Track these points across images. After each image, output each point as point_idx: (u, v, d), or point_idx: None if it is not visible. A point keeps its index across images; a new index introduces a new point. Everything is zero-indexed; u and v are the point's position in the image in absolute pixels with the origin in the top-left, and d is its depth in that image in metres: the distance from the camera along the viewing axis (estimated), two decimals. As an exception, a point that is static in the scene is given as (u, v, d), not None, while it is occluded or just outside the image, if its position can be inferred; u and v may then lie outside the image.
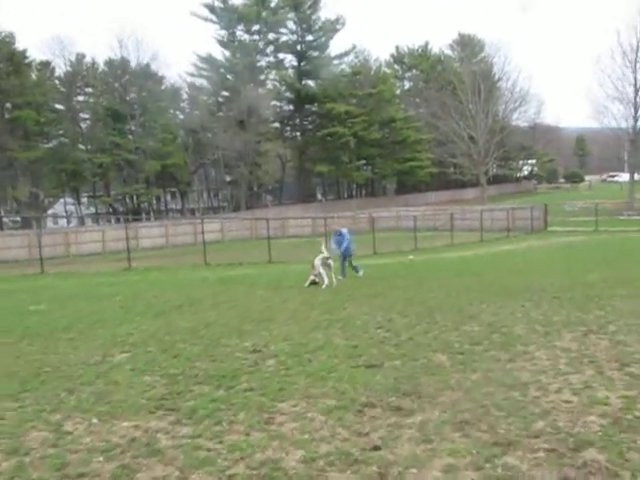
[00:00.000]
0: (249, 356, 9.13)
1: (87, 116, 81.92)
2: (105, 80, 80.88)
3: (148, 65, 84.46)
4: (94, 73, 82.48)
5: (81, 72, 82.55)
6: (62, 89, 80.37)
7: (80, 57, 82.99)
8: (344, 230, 21.14)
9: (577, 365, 7.81)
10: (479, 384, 7.14)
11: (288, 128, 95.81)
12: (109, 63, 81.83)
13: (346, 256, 20.77)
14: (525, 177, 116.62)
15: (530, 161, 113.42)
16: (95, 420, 6.52)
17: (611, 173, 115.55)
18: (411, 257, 31.05)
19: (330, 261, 18.75)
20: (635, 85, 70.66)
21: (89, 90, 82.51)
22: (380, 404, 6.60)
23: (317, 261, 18.48)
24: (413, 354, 8.72)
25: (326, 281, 18.05)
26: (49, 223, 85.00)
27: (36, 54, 77.80)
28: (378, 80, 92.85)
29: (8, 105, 72.64)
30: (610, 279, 16.94)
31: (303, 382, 7.57)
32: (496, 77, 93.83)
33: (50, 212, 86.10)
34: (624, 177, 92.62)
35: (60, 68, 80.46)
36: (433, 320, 11.47)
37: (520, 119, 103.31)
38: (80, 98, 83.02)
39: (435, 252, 35.77)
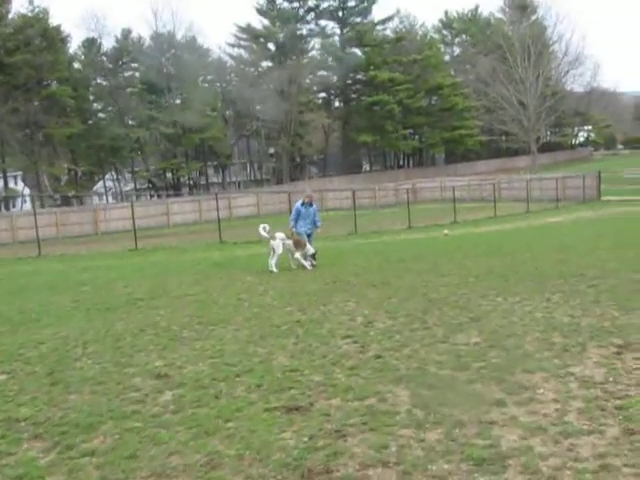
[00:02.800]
0: (147, 385, 6.68)
1: (129, 91, 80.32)
2: (148, 54, 79.01)
3: (194, 38, 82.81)
4: (139, 47, 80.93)
5: (127, 47, 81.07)
6: (109, 65, 78.99)
7: (126, 32, 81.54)
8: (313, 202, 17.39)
9: (596, 416, 5.10)
10: (430, 454, 4.53)
11: (331, 97, 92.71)
12: (155, 37, 79.95)
13: (310, 234, 17.07)
14: (580, 144, 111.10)
15: (586, 127, 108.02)
16: None
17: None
18: (445, 232, 28.19)
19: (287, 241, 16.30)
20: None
21: (135, 65, 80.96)
22: (252, 500, 4.08)
23: (280, 240, 16.06)
24: (364, 387, 6.11)
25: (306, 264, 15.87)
26: (95, 200, 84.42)
27: (70, 29, 76.51)
28: (424, 46, 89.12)
29: (45, 82, 71.29)
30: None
31: (177, 440, 5.07)
32: (548, 39, 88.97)
33: (95, 189, 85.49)
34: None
35: (100, 43, 78.94)
36: (423, 324, 8.82)
37: (575, 83, 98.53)
38: (127, 74, 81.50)
39: (475, 225, 32.89)
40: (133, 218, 30.29)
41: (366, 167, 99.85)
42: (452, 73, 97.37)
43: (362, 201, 56.69)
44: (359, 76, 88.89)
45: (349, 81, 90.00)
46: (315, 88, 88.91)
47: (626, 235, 22.04)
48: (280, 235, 16.06)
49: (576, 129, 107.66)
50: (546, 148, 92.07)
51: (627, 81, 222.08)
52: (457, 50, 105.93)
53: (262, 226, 16.25)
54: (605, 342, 7.23)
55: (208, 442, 5.01)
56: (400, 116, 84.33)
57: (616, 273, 12.66)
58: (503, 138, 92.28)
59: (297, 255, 16.04)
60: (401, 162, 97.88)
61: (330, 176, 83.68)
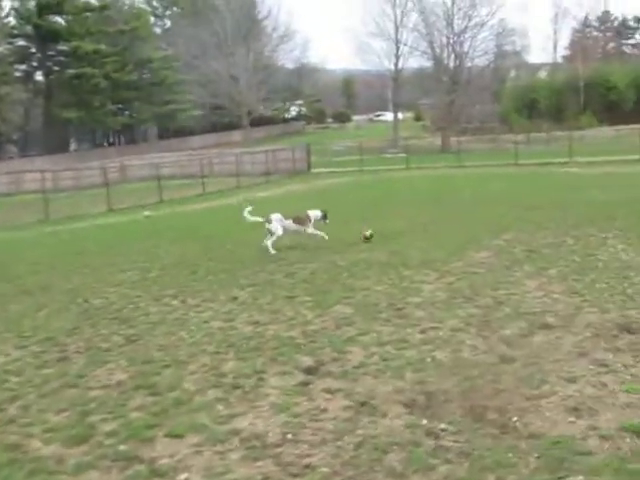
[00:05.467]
0: None
1: None
2: None
3: None
4: None
5: None
6: None
7: None
8: None
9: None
10: None
11: (30, 69, 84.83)
12: None
13: None
14: (293, 118, 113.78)
15: (297, 102, 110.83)
16: None
17: (377, 112, 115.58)
18: (146, 213, 25.63)
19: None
20: (395, 22, 69.30)
21: None
22: None
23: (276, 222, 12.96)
24: None
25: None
26: None
27: None
28: (132, 17, 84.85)
29: None
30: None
31: None
32: (258, 13, 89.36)
33: None
34: (389, 116, 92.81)
35: None
36: (60, 353, 6.43)
37: (286, 58, 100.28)
38: None
39: (183, 204, 30.77)
40: None
41: (74, 146, 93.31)
42: (164, 46, 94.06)
43: (65, 182, 52.09)
44: (62, 47, 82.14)
45: (51, 52, 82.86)
46: (12, 59, 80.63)
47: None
48: (276, 216, 12.85)
49: (288, 104, 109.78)
50: (260, 122, 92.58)
51: (335, 58, 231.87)
52: (168, 23, 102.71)
53: (247, 210, 13.11)
54: (299, 364, 5.39)
55: None
56: (108, 91, 79.52)
57: (316, 255, 11.33)
58: (217, 112, 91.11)
59: (309, 231, 12.90)
60: (112, 139, 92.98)
61: (32, 156, 76.50)
